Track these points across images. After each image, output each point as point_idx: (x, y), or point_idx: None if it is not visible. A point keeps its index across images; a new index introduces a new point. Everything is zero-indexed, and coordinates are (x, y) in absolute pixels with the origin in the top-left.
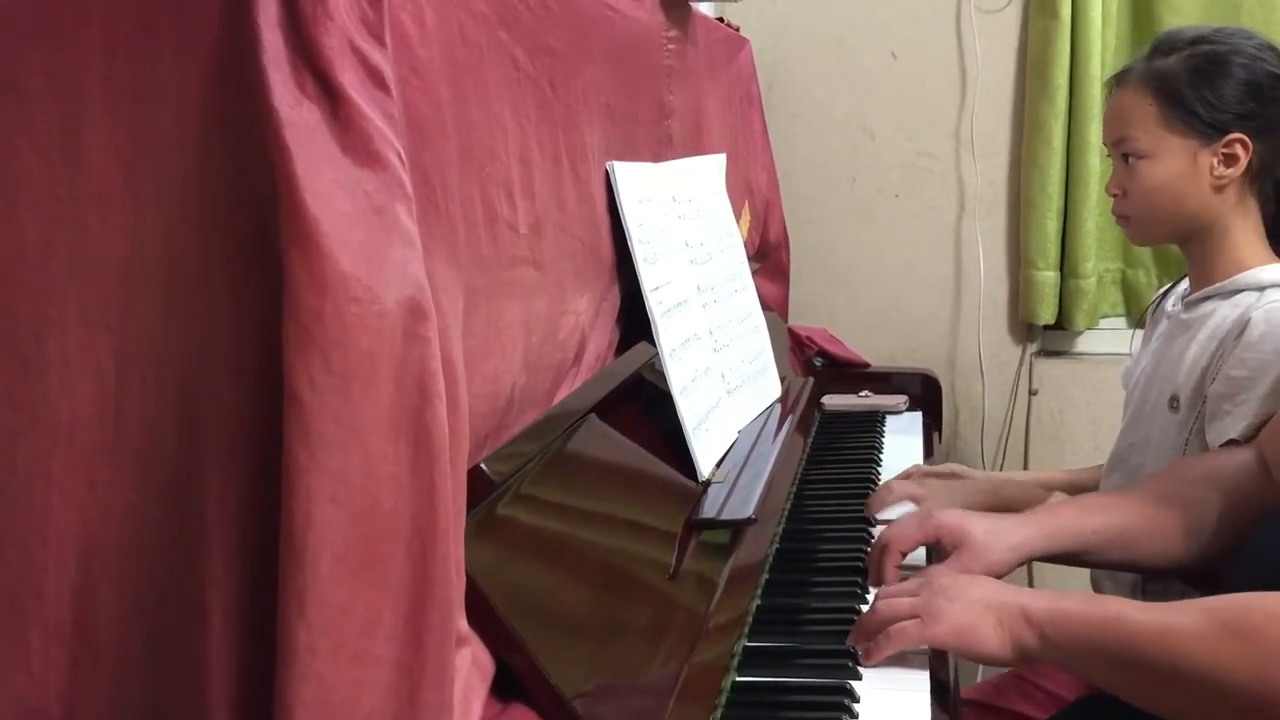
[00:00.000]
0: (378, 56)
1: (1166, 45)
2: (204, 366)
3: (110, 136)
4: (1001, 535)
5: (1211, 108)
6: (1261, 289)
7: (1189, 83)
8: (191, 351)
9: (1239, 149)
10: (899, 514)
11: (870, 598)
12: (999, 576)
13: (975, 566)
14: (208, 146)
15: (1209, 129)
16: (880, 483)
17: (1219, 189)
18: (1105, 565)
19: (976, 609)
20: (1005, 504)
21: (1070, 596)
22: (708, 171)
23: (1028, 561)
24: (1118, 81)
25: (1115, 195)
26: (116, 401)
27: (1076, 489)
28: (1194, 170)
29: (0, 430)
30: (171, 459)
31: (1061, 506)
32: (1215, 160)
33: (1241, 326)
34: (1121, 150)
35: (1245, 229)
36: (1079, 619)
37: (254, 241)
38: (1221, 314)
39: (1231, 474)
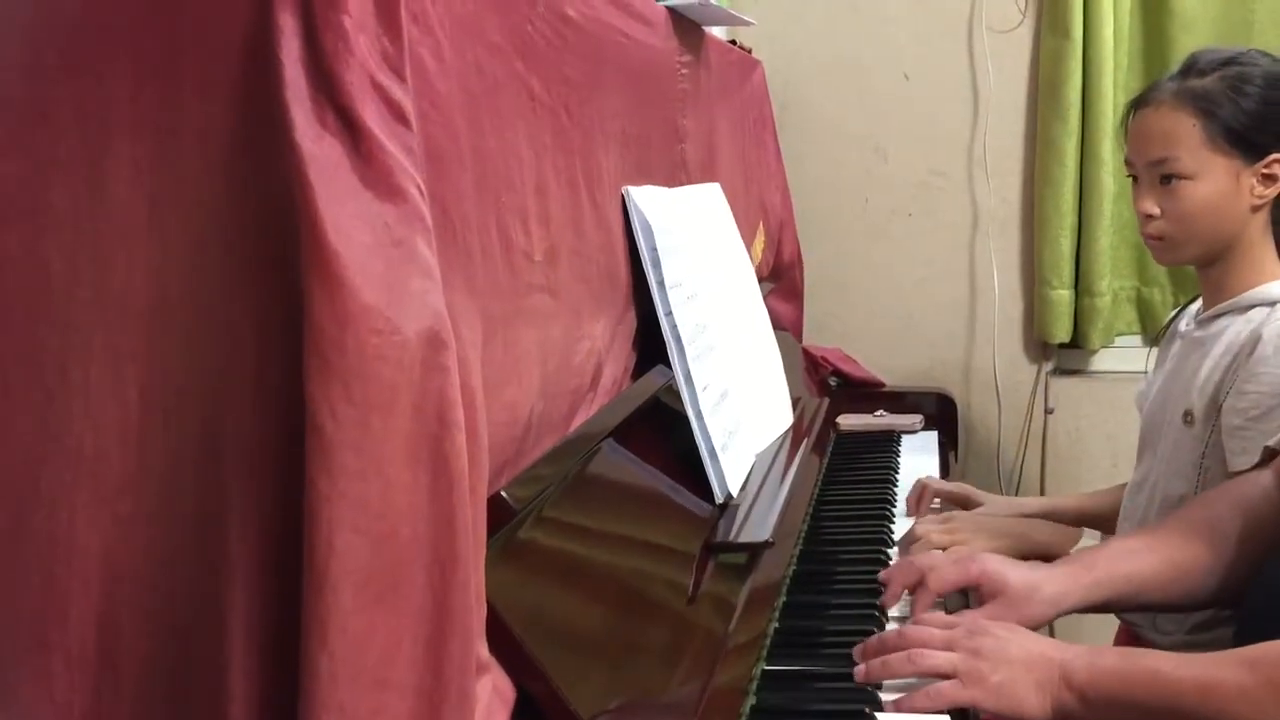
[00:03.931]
0: (398, 91)
1: (1197, 66)
2: (226, 397)
3: (135, 169)
4: (1040, 588)
5: (1253, 128)
6: (1273, 304)
7: (1231, 102)
8: (214, 382)
9: (1278, 169)
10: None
11: (889, 623)
12: (1035, 627)
13: (1011, 616)
14: (231, 180)
15: (1251, 149)
16: (896, 502)
17: (1256, 209)
18: (1141, 609)
19: (1016, 671)
20: (1037, 549)
21: (1106, 652)
22: (712, 198)
23: (1064, 614)
24: (1145, 101)
25: (1150, 216)
26: (140, 432)
27: (1095, 514)
28: (1236, 190)
29: (25, 460)
30: (194, 489)
31: (1096, 556)
32: (1255, 180)
33: (1254, 343)
34: (1163, 171)
35: (1265, 247)
36: (1118, 678)
37: (276, 273)
38: (1235, 329)
39: (1256, 501)
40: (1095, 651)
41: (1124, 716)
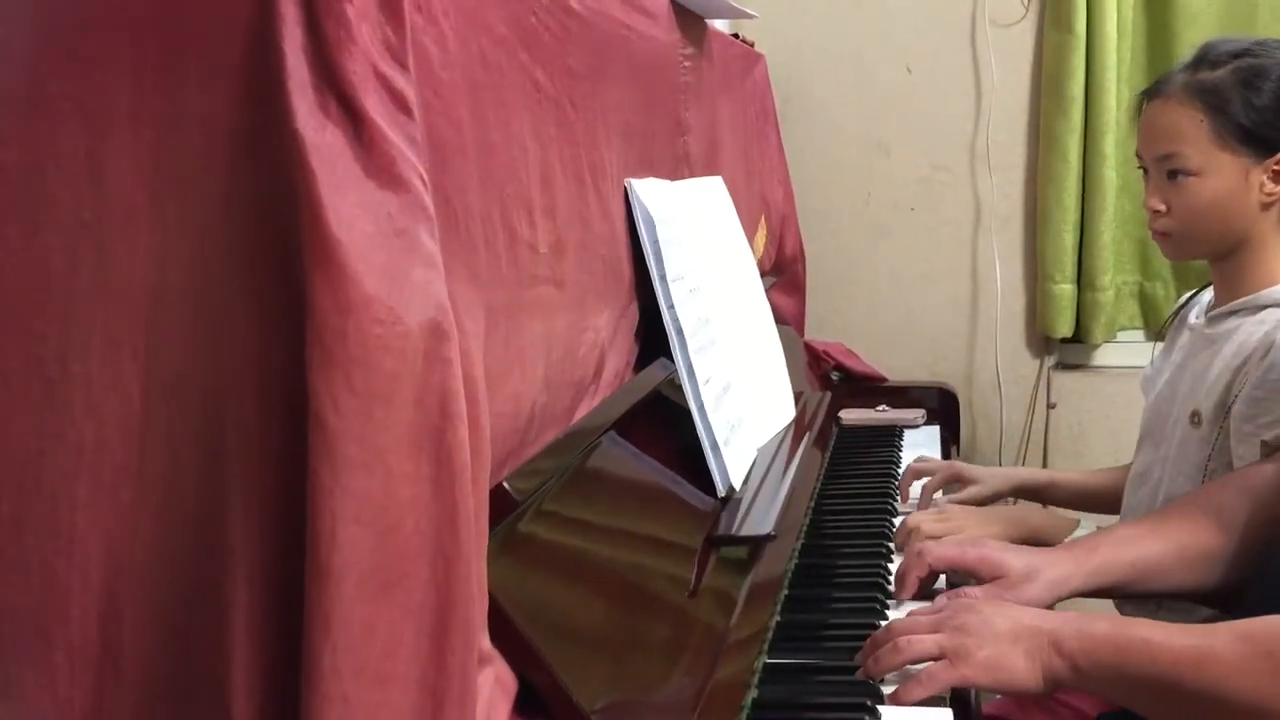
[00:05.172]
0: (401, 80)
1: (1209, 58)
2: (228, 388)
3: (135, 160)
4: (1041, 571)
5: (1264, 123)
6: None
7: (1241, 97)
8: (216, 373)
9: None
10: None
11: (890, 614)
12: None
13: (1010, 599)
14: (232, 170)
15: (1261, 145)
16: (898, 496)
17: (1266, 206)
18: (1145, 596)
19: (1004, 643)
20: (1033, 533)
21: (1097, 620)
22: (714, 191)
23: (1065, 599)
24: (1156, 93)
25: (1157, 211)
26: (141, 424)
27: (1095, 491)
28: (1244, 187)
29: (26, 453)
30: (196, 481)
31: (1098, 541)
32: (1266, 177)
33: (1266, 347)
34: (1169, 166)
35: (1277, 245)
36: (1110, 646)
37: (278, 264)
38: (1246, 330)
39: (1262, 489)
40: (1086, 619)
41: (1115, 684)
